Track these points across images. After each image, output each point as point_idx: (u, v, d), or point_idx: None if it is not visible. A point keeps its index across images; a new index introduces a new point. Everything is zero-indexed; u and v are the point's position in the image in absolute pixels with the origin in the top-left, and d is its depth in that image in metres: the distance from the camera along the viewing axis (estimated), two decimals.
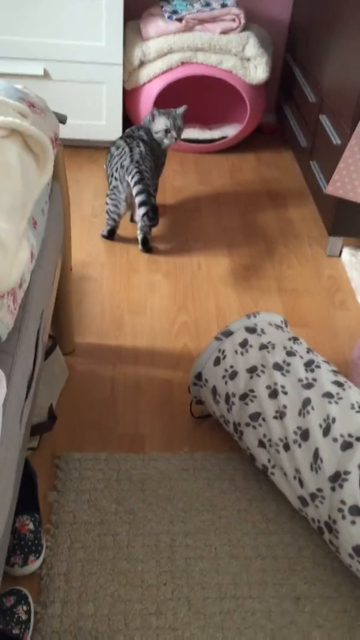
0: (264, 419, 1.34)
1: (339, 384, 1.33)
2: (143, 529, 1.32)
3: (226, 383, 1.42)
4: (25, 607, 1.13)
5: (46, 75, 2.60)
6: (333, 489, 1.20)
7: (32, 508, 1.29)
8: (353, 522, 1.15)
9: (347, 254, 2.22)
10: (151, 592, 1.21)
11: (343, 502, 1.17)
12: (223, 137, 2.91)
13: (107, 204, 2.19)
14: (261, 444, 1.35)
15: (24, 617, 1.11)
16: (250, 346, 1.43)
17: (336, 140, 2.10)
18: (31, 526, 1.25)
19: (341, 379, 1.36)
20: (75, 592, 1.20)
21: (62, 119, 1.33)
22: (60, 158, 1.42)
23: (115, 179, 2.12)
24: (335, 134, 2.14)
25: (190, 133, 2.91)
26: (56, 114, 1.34)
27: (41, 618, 1.15)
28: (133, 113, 2.84)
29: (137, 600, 1.20)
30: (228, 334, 1.47)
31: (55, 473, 1.43)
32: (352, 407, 1.27)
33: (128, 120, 2.91)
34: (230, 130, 2.93)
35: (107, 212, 2.21)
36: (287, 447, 1.30)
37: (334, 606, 1.21)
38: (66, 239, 1.55)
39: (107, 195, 2.18)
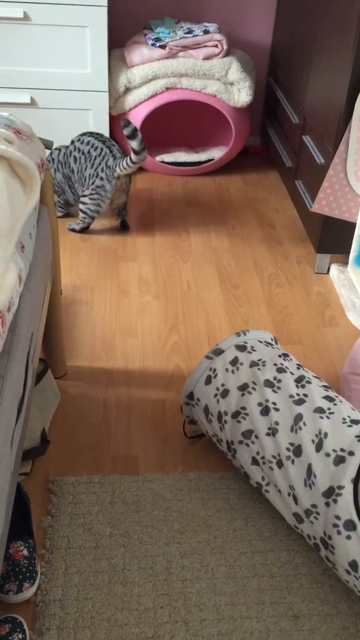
0: (256, 436, 1.34)
1: (329, 399, 1.34)
2: (138, 552, 1.31)
3: (218, 401, 1.42)
4: (20, 635, 1.11)
5: (33, 102, 2.64)
6: (327, 504, 1.19)
7: (26, 534, 1.28)
8: (348, 537, 1.15)
9: (335, 270, 2.24)
10: (148, 615, 1.20)
11: (338, 517, 1.17)
12: (210, 160, 2.95)
13: (84, 203, 2.28)
14: (254, 461, 1.35)
15: None
16: (241, 364, 1.43)
17: (320, 159, 2.14)
18: (25, 552, 1.23)
19: (332, 394, 1.37)
20: (71, 618, 1.18)
21: (48, 145, 1.35)
22: (47, 183, 1.44)
23: (101, 178, 2.24)
24: (318, 153, 2.17)
25: (177, 156, 2.95)
26: (42, 139, 1.36)
27: None
28: (120, 139, 2.88)
29: (134, 624, 1.18)
30: (219, 352, 1.48)
31: (48, 498, 1.42)
32: (344, 422, 1.28)
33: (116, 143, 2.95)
34: (216, 153, 2.97)
35: (85, 212, 2.31)
36: (280, 463, 1.29)
37: (333, 624, 1.20)
38: (55, 262, 1.56)
39: (85, 196, 2.27)
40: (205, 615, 1.20)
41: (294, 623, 1.20)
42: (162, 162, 2.92)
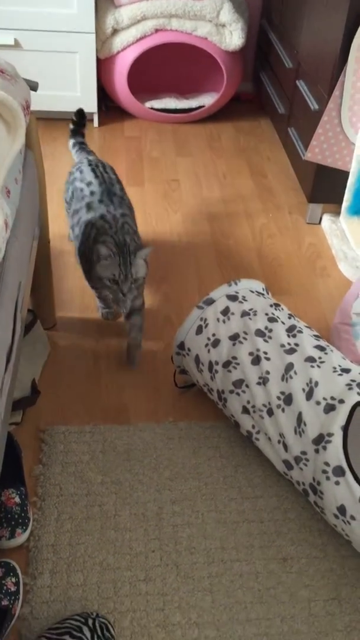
0: (247, 386, 1.34)
1: (320, 348, 1.34)
2: (130, 499, 1.33)
3: (209, 351, 1.41)
4: (14, 579, 1.13)
5: (17, 45, 2.54)
6: (317, 451, 1.20)
7: (17, 481, 1.29)
8: (337, 483, 1.16)
9: (327, 221, 2.22)
10: (140, 559, 1.22)
11: (327, 463, 1.18)
12: (200, 107, 2.87)
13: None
14: (245, 410, 1.35)
15: (12, 588, 1.11)
16: (232, 314, 1.42)
17: (314, 105, 2.08)
18: (17, 499, 1.24)
19: (323, 343, 1.37)
20: (63, 563, 1.20)
21: (33, 86, 1.29)
22: (33, 126, 1.39)
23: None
24: (312, 99, 2.12)
25: (167, 102, 2.87)
26: (27, 80, 1.30)
27: (30, 589, 1.16)
28: (108, 84, 2.79)
29: (126, 567, 1.20)
30: (210, 302, 1.46)
31: (40, 447, 1.42)
32: (334, 370, 1.28)
33: (103, 91, 2.86)
34: (207, 99, 2.89)
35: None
36: (270, 412, 1.30)
37: (320, 566, 1.23)
38: (42, 209, 1.53)
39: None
40: (196, 558, 1.23)
41: (283, 565, 1.22)
42: (152, 108, 2.83)
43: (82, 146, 1.87)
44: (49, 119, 2.78)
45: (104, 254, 1.42)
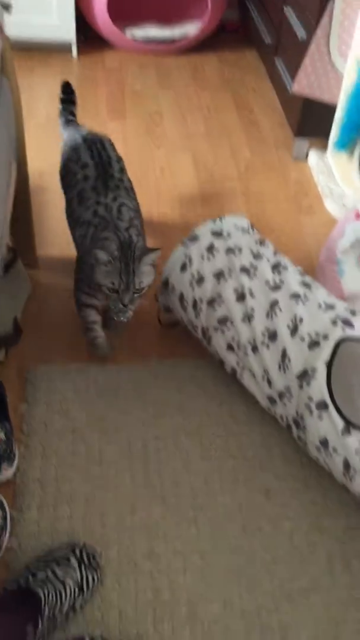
0: (232, 323, 1.33)
1: (306, 285, 1.33)
2: (114, 435, 1.34)
3: (193, 289, 1.40)
4: (1, 513, 1.14)
5: None
6: (301, 386, 1.21)
7: (2, 418, 1.28)
8: (320, 417, 1.18)
9: (313, 157, 2.17)
10: (125, 493, 1.24)
11: (310, 398, 1.19)
12: (183, 36, 2.75)
13: None
14: (230, 347, 1.35)
15: (0, 522, 1.13)
16: (217, 250, 1.40)
17: (301, 34, 2.00)
18: (2, 435, 1.24)
19: (308, 279, 1.35)
20: (50, 497, 1.22)
21: (6, 5, 1.21)
22: (7, 51, 1.31)
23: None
24: (300, 27, 2.03)
25: (149, 31, 2.74)
26: None
27: (18, 522, 1.17)
28: (87, 10, 2.65)
29: (112, 501, 1.22)
30: (194, 238, 1.44)
31: (24, 386, 1.41)
32: (319, 307, 1.27)
33: (83, 20, 2.72)
34: (191, 29, 2.77)
35: None
36: (255, 349, 1.30)
37: (303, 498, 1.25)
38: (20, 141, 1.47)
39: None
40: (181, 492, 1.25)
41: (266, 498, 1.25)
42: (133, 38, 2.71)
43: (74, 123, 1.61)
44: (23, 50, 2.64)
45: (102, 259, 1.24)
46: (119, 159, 1.50)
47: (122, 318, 1.31)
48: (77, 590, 1.03)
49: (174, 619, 1.06)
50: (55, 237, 1.81)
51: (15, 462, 1.25)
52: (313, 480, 1.28)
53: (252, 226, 1.53)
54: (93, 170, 1.41)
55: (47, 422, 1.34)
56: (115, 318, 1.33)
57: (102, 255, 1.24)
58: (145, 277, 1.27)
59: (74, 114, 1.65)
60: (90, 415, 1.36)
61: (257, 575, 1.13)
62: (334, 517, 1.22)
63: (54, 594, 0.98)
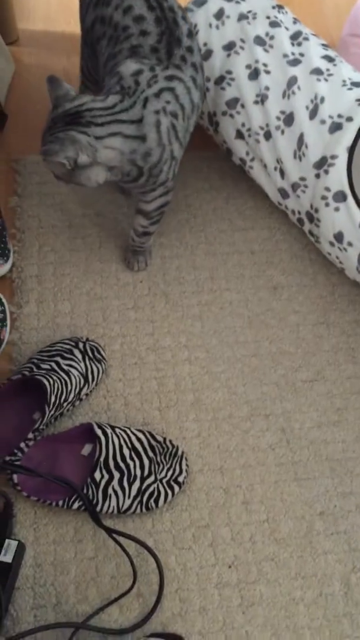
0: (242, 105, 1.19)
1: (329, 59, 1.16)
2: (115, 231, 1.26)
3: None
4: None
5: None
6: (318, 175, 1.11)
7: None
8: (337, 209, 1.09)
9: None
10: (127, 289, 1.19)
11: (327, 188, 1.10)
12: None
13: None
14: (239, 134, 1.22)
15: None
16: (227, 17, 1.20)
17: None
18: None
19: (332, 53, 1.18)
20: (49, 293, 1.17)
21: None
22: None
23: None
24: None
25: None
26: None
27: (17, 317, 1.14)
28: None
29: (114, 297, 1.18)
30: (200, 3, 1.22)
31: (14, 178, 1.30)
32: (344, 84, 1.12)
33: None
34: None
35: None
36: (268, 135, 1.17)
37: (310, 293, 1.22)
38: None
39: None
40: (185, 288, 1.20)
41: (273, 293, 1.21)
42: None
43: None
44: None
45: None
46: (186, 16, 1.03)
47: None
48: (82, 380, 1.02)
49: (179, 405, 1.07)
50: (39, 8, 1.57)
51: (11, 258, 1.18)
52: (322, 277, 1.24)
53: None
54: (154, 25, 0.99)
55: (41, 217, 1.25)
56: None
57: None
58: None
59: None
60: (87, 210, 1.27)
61: (262, 366, 1.12)
62: (341, 311, 1.20)
63: (59, 384, 0.97)
